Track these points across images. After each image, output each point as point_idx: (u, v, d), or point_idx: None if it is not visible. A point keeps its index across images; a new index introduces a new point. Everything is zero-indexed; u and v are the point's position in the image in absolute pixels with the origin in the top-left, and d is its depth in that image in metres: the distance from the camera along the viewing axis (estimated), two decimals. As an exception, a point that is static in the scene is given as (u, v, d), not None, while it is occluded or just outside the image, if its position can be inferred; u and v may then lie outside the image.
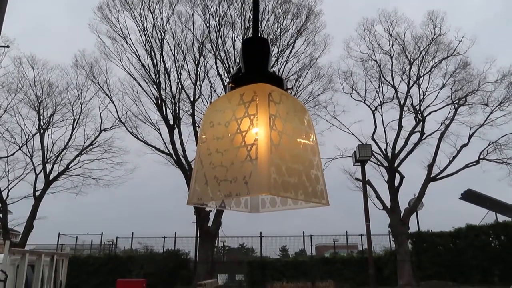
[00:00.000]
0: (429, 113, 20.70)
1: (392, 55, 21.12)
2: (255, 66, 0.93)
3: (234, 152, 0.78)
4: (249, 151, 0.76)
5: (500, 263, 17.10)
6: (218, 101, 0.90)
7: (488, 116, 20.01)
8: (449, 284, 16.87)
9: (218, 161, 0.80)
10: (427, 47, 20.67)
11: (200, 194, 0.81)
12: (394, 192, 19.61)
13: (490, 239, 18.34)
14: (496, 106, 19.97)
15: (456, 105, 20.38)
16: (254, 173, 0.73)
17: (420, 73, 20.83)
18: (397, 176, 19.87)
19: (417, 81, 20.81)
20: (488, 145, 19.79)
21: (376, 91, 21.39)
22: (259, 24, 1.04)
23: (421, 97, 20.77)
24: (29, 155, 21.26)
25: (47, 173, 20.82)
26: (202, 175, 0.82)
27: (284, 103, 0.84)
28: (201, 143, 0.86)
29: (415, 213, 20.50)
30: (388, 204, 19.45)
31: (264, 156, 0.74)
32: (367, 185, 17.59)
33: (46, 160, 20.93)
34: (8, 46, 17.35)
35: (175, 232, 20.64)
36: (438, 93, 20.72)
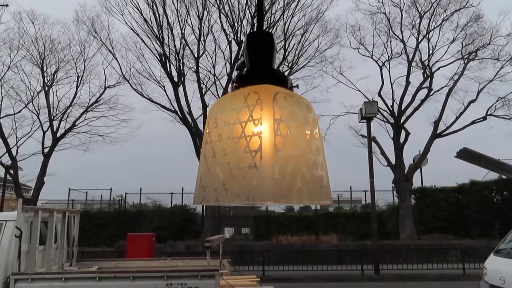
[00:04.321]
0: (438, 69, 20.37)
1: (402, 8, 20.45)
2: (259, 64, 0.91)
3: (239, 157, 0.78)
4: (254, 158, 0.76)
5: (501, 217, 17.43)
6: (223, 99, 0.89)
7: (498, 71, 19.66)
8: (449, 238, 17.31)
9: (223, 163, 0.80)
10: (439, -1, 19.92)
11: (205, 195, 0.83)
12: (399, 148, 19.69)
13: (493, 194, 18.58)
14: (507, 61, 19.55)
15: (466, 60, 19.95)
16: (258, 182, 0.74)
17: (430, 26, 20.25)
18: (403, 133, 19.88)
19: (427, 35, 20.27)
20: (497, 100, 19.59)
21: (384, 46, 20.96)
22: (263, 18, 1.00)
23: (430, 52, 20.34)
24: (36, 113, 21.43)
25: (54, 130, 21.01)
26: (207, 177, 0.83)
27: (289, 104, 0.82)
28: (205, 144, 0.86)
29: (419, 169, 20.69)
30: (393, 161, 19.60)
31: (268, 164, 0.74)
32: (372, 142, 17.62)
33: (52, 117, 21.05)
34: (7, 5, 16.93)
35: (182, 188, 21.07)
36: (448, 47, 20.26)
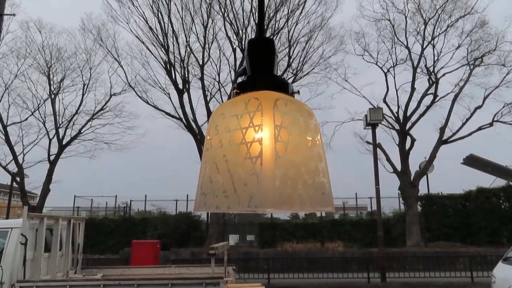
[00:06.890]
0: (443, 75, 20.29)
1: (406, 14, 20.45)
2: (260, 70, 0.91)
3: (240, 163, 0.77)
4: (254, 164, 0.75)
5: (509, 224, 17.23)
6: (224, 106, 0.89)
7: (505, 77, 19.56)
8: (456, 245, 17.12)
9: (224, 170, 0.79)
10: (443, 5, 19.92)
11: (206, 203, 0.82)
12: (404, 155, 19.58)
13: (501, 201, 18.38)
14: (514, 67, 19.43)
15: (472, 66, 19.87)
16: (258, 188, 0.73)
17: (435, 33, 20.22)
18: (408, 139, 19.79)
19: (432, 42, 20.24)
20: (503, 106, 19.46)
21: (389, 52, 20.95)
22: (264, 24, 1.00)
23: (436, 58, 20.30)
24: (42, 120, 21.60)
25: (60, 138, 21.14)
26: (208, 184, 0.82)
27: (290, 111, 0.82)
28: (206, 150, 0.86)
29: (425, 176, 20.55)
30: (399, 167, 19.48)
31: (269, 171, 0.74)
32: (378, 148, 17.54)
33: (58, 125, 21.19)
34: (14, 14, 17.14)
35: (187, 195, 21.05)
36: (454, 53, 20.22)
